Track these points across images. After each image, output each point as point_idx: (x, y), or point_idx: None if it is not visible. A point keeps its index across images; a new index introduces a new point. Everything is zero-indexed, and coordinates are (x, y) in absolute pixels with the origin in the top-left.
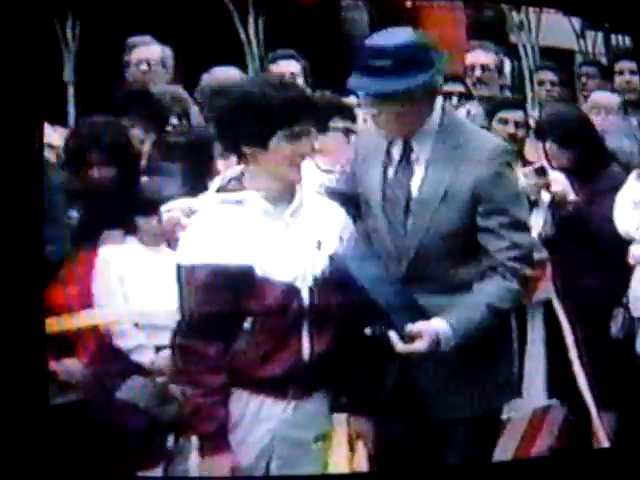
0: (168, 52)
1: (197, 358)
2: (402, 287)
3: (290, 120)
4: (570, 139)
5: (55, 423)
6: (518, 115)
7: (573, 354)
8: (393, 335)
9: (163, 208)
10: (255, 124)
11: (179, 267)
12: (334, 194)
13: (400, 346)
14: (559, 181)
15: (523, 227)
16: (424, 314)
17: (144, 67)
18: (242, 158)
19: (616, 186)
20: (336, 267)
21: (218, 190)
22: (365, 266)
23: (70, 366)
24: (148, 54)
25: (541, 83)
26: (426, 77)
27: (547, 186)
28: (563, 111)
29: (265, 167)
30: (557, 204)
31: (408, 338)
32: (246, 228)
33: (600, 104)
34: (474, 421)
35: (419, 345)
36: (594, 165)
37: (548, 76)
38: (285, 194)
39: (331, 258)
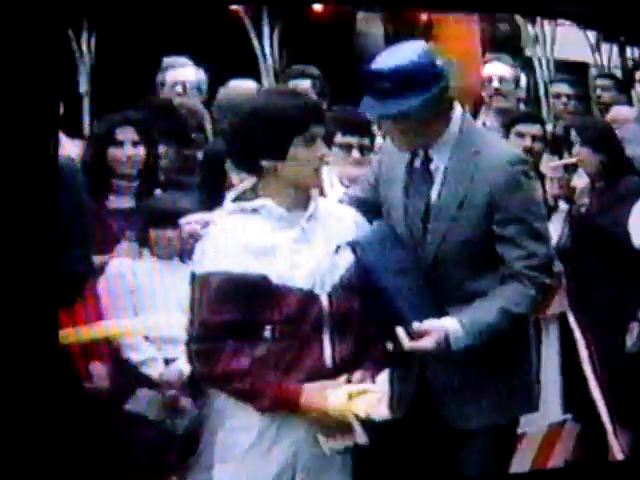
0: (203, 75)
1: (217, 354)
2: (422, 283)
3: (304, 125)
4: (602, 143)
5: (68, 435)
6: (535, 129)
7: (587, 368)
8: (400, 331)
9: (182, 220)
10: (271, 135)
11: (194, 275)
12: (357, 202)
13: (407, 343)
14: (581, 179)
15: (541, 236)
16: (440, 314)
17: (179, 89)
18: (258, 172)
19: (634, 192)
20: (354, 257)
21: (234, 200)
22: (385, 255)
23: (98, 372)
24: (184, 76)
25: (557, 96)
26: (429, 95)
27: (567, 184)
28: (595, 117)
29: (285, 177)
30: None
31: (415, 335)
32: (262, 236)
33: (619, 118)
34: (491, 432)
35: (426, 342)
36: (617, 171)
37: (564, 89)
38: (300, 200)
39: (352, 246)
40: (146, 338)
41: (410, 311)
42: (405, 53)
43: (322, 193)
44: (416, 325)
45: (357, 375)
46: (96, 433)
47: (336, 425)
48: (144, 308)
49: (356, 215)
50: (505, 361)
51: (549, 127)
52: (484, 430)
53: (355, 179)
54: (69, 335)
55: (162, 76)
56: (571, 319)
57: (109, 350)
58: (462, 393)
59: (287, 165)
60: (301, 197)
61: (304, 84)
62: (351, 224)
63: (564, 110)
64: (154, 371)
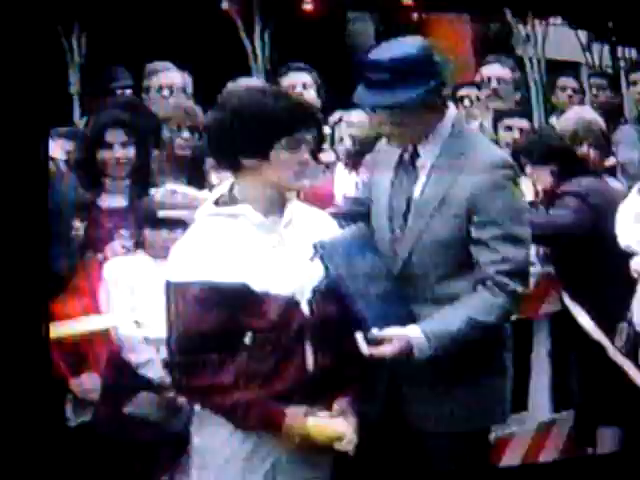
0: (188, 78)
1: (200, 366)
2: (391, 288)
3: (290, 128)
4: (544, 157)
5: (65, 438)
6: (523, 122)
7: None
8: (359, 336)
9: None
10: (255, 134)
11: (169, 284)
12: (353, 201)
13: (365, 349)
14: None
15: (517, 242)
16: (408, 322)
17: (166, 93)
18: (238, 171)
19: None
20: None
21: (216, 203)
22: (352, 259)
23: (88, 382)
24: (170, 80)
25: (563, 89)
26: (426, 88)
27: None
28: (532, 135)
29: (265, 178)
30: None
31: (374, 341)
32: (241, 242)
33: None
34: (458, 437)
35: (385, 350)
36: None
37: (570, 82)
38: (276, 205)
39: (316, 247)
40: (146, 340)
41: (372, 317)
42: (404, 46)
43: (298, 196)
44: (376, 331)
45: (339, 404)
46: (95, 434)
47: (316, 448)
48: (142, 308)
49: (331, 220)
50: (476, 369)
51: (553, 120)
52: (450, 434)
53: None
54: (62, 328)
55: (147, 82)
56: (570, 305)
57: (107, 351)
58: (430, 397)
59: (268, 167)
60: (277, 201)
61: (305, 79)
62: (328, 228)
63: (569, 103)
64: (154, 373)
